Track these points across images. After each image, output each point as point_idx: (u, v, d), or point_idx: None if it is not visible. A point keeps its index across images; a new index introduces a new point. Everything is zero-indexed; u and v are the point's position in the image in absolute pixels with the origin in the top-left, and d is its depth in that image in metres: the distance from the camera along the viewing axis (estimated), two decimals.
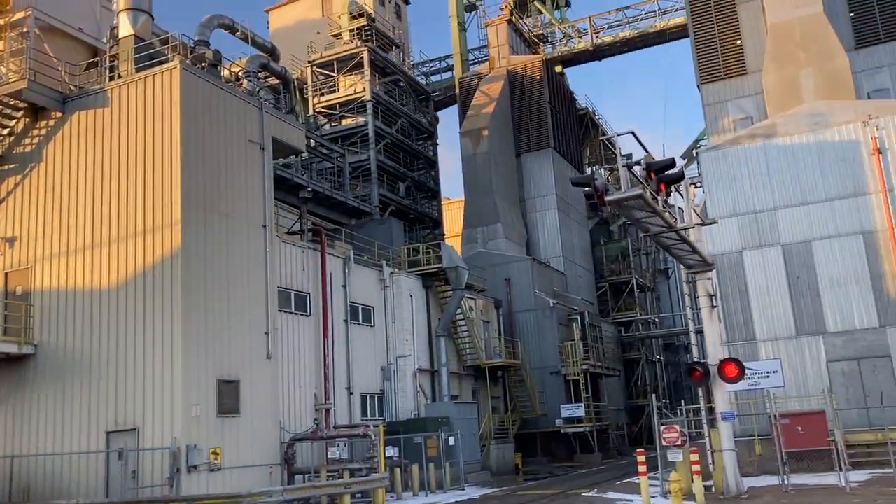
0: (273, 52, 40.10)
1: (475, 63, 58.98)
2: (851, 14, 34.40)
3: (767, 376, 21.71)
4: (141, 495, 20.40)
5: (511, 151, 52.88)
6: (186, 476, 20.86)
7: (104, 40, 28.01)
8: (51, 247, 24.20)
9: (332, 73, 46.28)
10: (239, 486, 21.33)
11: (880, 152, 27.30)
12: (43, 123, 25.22)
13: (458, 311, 36.33)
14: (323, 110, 46.32)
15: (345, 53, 45.73)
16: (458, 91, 55.63)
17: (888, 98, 31.82)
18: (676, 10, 51.88)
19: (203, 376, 22.18)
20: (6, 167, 25.44)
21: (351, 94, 45.23)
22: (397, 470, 26.45)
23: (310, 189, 33.32)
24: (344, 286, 30.83)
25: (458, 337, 37.59)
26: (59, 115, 24.98)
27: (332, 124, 46.43)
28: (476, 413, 34.26)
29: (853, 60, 32.12)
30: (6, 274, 24.82)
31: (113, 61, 26.13)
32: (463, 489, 28.19)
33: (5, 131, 25.26)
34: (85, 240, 23.79)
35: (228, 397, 22.94)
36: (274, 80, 40.08)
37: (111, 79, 25.46)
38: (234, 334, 23.62)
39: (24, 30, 25.55)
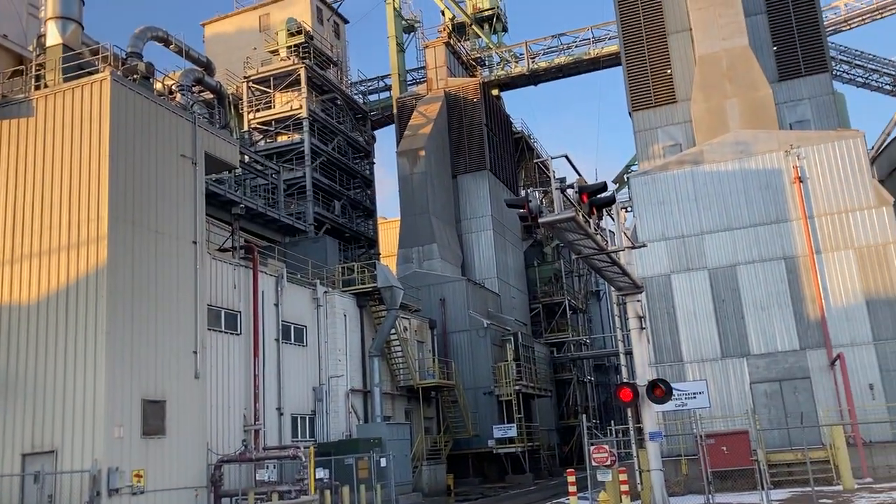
0: (208, 67, 39.57)
1: (413, 84, 59.30)
2: (775, 48, 35.83)
3: (694, 397, 22.19)
4: None
5: (447, 172, 53.18)
6: (107, 500, 20.13)
7: (30, 48, 27.15)
8: None
9: (268, 90, 45.85)
10: None
11: (801, 181, 28.43)
12: None
13: (393, 331, 36.17)
14: (258, 126, 45.83)
15: (282, 70, 45.42)
16: (395, 111, 55.78)
17: (809, 129, 33.20)
18: (610, 39, 53.17)
19: (127, 396, 21.50)
20: None
21: (287, 111, 44.90)
22: (328, 492, 26.03)
23: (243, 206, 32.82)
24: (276, 305, 30.37)
25: (391, 357, 37.40)
26: None
27: (268, 141, 45.95)
28: (409, 434, 34.05)
29: (776, 92, 33.44)
30: None
31: (39, 70, 25.35)
32: None
33: None
34: (5, 253, 22.91)
35: (154, 418, 22.28)
36: (208, 95, 39.52)
37: (37, 88, 24.69)
38: (161, 353, 22.99)
39: None
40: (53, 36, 25.29)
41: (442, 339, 43.78)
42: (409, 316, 39.85)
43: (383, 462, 28.63)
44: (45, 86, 24.59)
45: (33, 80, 25.02)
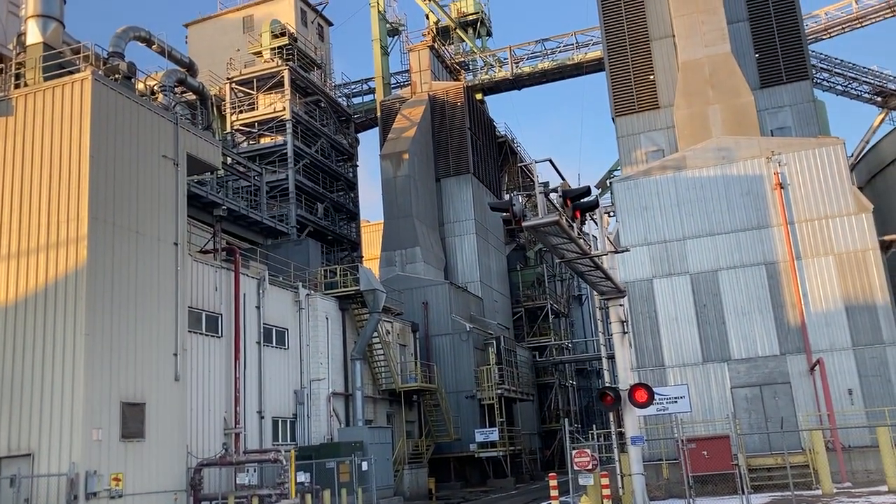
0: (191, 68, 39.32)
1: (397, 87, 59.24)
2: (757, 55, 36.12)
3: (675, 401, 22.27)
4: None
5: (431, 176, 53.16)
6: (85, 503, 19.89)
7: (10, 47, 26.86)
8: None
9: (251, 91, 45.67)
10: None
11: (782, 187, 28.67)
12: None
13: (375, 334, 36.06)
14: (241, 128, 45.61)
15: (265, 72, 45.25)
16: (379, 114, 55.70)
17: (790, 136, 33.49)
18: (593, 44, 53.41)
19: (106, 398, 21.27)
20: None
21: (270, 113, 44.73)
22: (308, 496, 25.89)
23: (224, 207, 32.60)
24: (258, 307, 30.20)
25: (374, 360, 37.28)
26: None
27: (250, 142, 45.73)
28: (390, 437, 33.95)
29: (758, 99, 33.70)
30: None
31: (19, 69, 25.06)
32: None
33: None
34: None
35: (133, 420, 22.05)
36: (191, 96, 39.27)
37: (17, 87, 24.41)
38: (141, 355, 22.77)
39: None
40: (34, 34, 25.03)
41: (424, 342, 43.72)
42: (392, 319, 39.75)
43: (365, 466, 28.51)
44: (25, 84, 24.32)
45: (13, 79, 24.74)
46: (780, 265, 28.30)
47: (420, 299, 44.59)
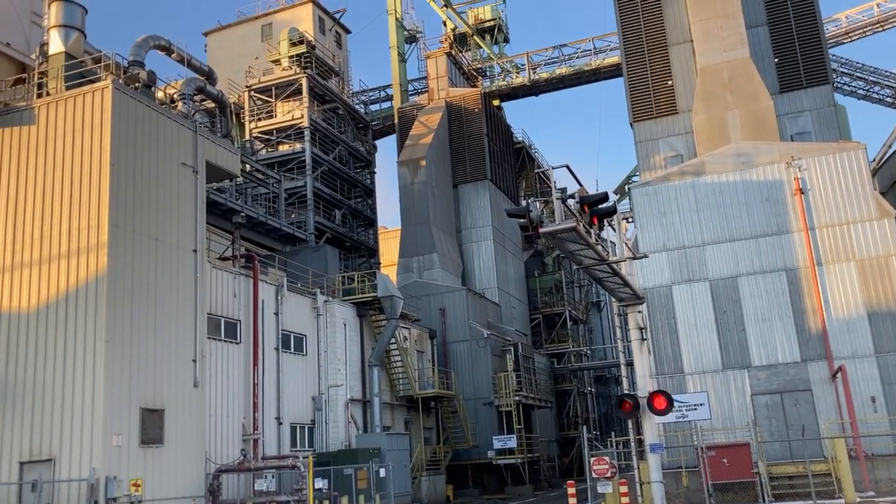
0: (210, 76, 39.63)
1: (414, 93, 59.40)
2: (776, 60, 35.90)
3: (695, 409, 22.08)
4: None
5: (448, 182, 53.21)
6: None
7: (33, 56, 27.19)
8: None
9: (269, 99, 45.94)
10: None
11: (803, 192, 28.41)
12: None
13: (392, 340, 36.08)
14: (259, 135, 45.89)
15: (283, 79, 45.51)
16: (396, 121, 55.86)
17: (810, 141, 33.21)
18: (611, 50, 53.33)
19: (126, 404, 21.42)
20: None
21: (289, 120, 44.96)
22: (326, 502, 25.92)
23: (243, 214, 32.80)
24: (276, 314, 30.31)
25: (391, 367, 37.30)
26: None
27: (269, 150, 45.99)
28: (408, 444, 33.92)
29: (777, 104, 33.49)
30: None
31: (41, 78, 25.37)
32: None
33: None
34: (4, 261, 22.87)
35: (152, 426, 22.18)
36: (210, 104, 39.56)
37: (39, 96, 24.71)
38: (160, 361, 22.92)
39: None
40: (56, 44, 25.33)
41: (442, 349, 43.68)
42: (409, 325, 39.77)
43: (382, 472, 28.50)
44: (47, 94, 24.61)
45: (35, 88, 25.05)
46: (800, 271, 28.02)
47: (437, 305, 44.58)
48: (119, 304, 21.80)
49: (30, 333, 21.99)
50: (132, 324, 22.13)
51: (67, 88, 24.12)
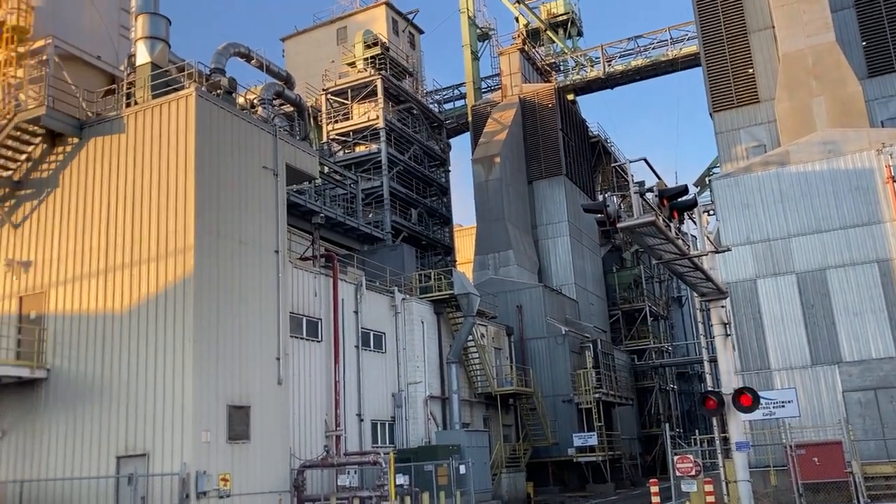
0: (288, 80, 40.54)
1: (488, 91, 59.39)
2: (864, 43, 34.45)
3: (783, 406, 21.46)
4: None
5: (523, 178, 53.01)
6: (196, 502, 20.72)
7: (122, 68, 28.36)
8: (65, 271, 24.32)
9: (346, 101, 46.68)
10: None
11: (895, 180, 27.18)
12: (60, 149, 25.49)
13: (470, 337, 36.19)
14: (336, 137, 46.68)
15: (359, 81, 46.17)
16: (470, 119, 55.96)
17: None
18: (689, 40, 52.15)
19: (213, 402, 22.12)
20: (23, 192, 25.70)
21: (364, 122, 45.61)
22: (407, 498, 26.19)
23: (322, 215, 33.44)
24: (355, 312, 30.80)
25: (469, 364, 37.42)
26: (75, 141, 25.25)
27: (346, 151, 46.75)
28: (487, 441, 33.98)
29: (866, 88, 32.12)
30: (20, 298, 24.94)
31: (130, 88, 26.42)
32: None
33: (23, 157, 25.54)
34: (98, 264, 23.91)
35: (239, 423, 22.85)
36: (288, 108, 40.47)
37: (128, 105, 25.74)
38: (245, 360, 23.58)
39: (44, 57, 25.87)
40: (143, 55, 26.32)
41: (519, 345, 43.57)
42: (486, 323, 39.81)
43: (463, 469, 28.63)
44: (135, 103, 25.61)
45: (124, 98, 26.12)
46: (893, 262, 26.81)
47: (514, 302, 44.49)
48: (205, 304, 22.52)
49: (123, 334, 22.93)
50: (218, 323, 22.84)
51: (154, 97, 25.04)
